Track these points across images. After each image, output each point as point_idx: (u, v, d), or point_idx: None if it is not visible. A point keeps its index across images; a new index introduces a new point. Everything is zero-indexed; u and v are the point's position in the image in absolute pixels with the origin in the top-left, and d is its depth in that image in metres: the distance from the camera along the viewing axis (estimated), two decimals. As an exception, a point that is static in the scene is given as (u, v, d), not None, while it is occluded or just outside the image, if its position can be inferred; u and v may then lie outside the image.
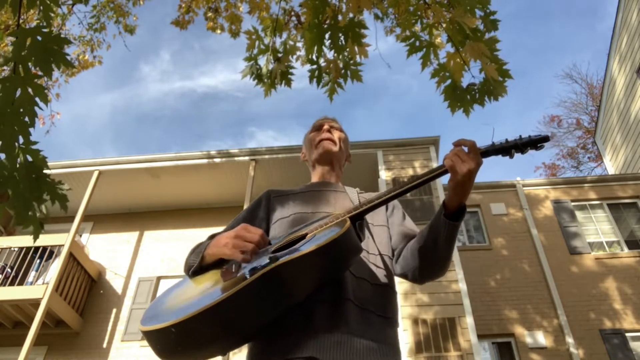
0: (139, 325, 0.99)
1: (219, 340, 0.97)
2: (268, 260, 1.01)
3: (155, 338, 0.96)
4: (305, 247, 1.01)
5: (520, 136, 1.10)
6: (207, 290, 1.03)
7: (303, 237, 1.11)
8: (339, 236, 1.00)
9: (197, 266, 1.15)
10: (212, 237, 1.25)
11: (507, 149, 1.09)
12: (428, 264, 1.18)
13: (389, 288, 1.21)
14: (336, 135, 1.55)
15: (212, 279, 1.09)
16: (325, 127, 1.56)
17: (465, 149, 1.08)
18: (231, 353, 7.01)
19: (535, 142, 1.08)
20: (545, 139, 1.08)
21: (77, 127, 43.34)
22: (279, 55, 2.83)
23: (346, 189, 1.43)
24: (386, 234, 1.33)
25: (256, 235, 1.06)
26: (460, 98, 2.34)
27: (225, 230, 1.25)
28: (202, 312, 0.92)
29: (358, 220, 1.13)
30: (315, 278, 1.03)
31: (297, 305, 1.04)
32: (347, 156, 1.60)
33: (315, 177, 1.54)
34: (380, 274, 1.21)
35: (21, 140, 1.59)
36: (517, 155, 1.10)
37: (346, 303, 1.08)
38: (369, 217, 1.30)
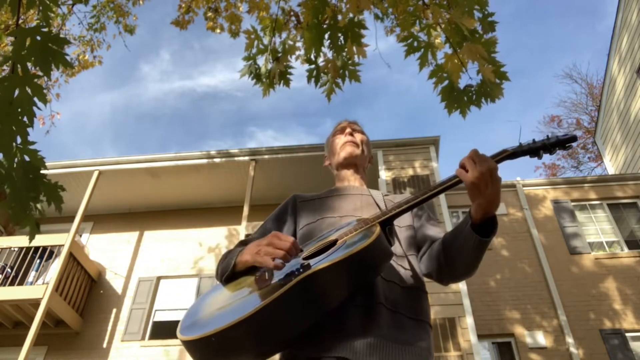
0: (178, 335, 1.00)
1: (258, 347, 0.98)
2: (302, 269, 1.02)
3: (195, 347, 0.97)
4: (338, 254, 1.02)
5: (547, 136, 1.08)
6: (243, 298, 1.04)
7: (333, 243, 1.11)
8: (371, 243, 1.01)
9: (230, 273, 1.16)
10: (242, 243, 1.26)
11: (535, 149, 1.07)
12: (452, 269, 1.17)
13: (419, 290, 1.21)
14: (358, 137, 1.55)
15: (246, 286, 1.09)
16: (348, 130, 1.55)
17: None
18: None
19: (564, 142, 1.07)
20: (573, 138, 1.06)
21: (77, 127, 43.39)
22: (278, 55, 2.83)
23: (371, 192, 1.42)
24: (412, 234, 1.33)
25: (287, 243, 1.05)
26: (457, 99, 2.34)
27: (254, 239, 1.26)
28: (242, 321, 0.93)
29: (387, 225, 1.13)
30: (349, 284, 1.04)
31: (330, 312, 1.05)
32: (370, 158, 1.60)
33: (339, 181, 1.53)
34: (409, 276, 1.21)
35: (19, 140, 1.59)
36: (545, 156, 1.08)
37: (378, 307, 1.08)
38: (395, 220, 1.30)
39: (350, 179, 1.50)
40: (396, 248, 1.24)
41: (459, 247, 1.11)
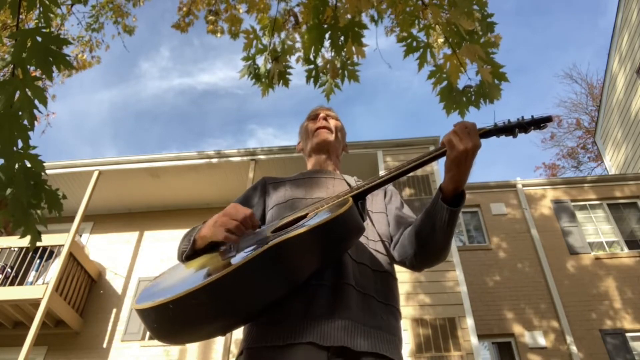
0: (134, 305, 0.95)
1: (218, 319, 0.94)
2: (269, 239, 0.99)
3: (152, 316, 0.92)
4: (308, 224, 0.98)
5: (522, 116, 1.09)
6: (204, 269, 1.00)
7: (303, 217, 1.09)
8: (343, 212, 0.97)
9: (190, 250, 1.13)
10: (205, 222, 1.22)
11: (510, 128, 1.08)
12: (425, 251, 1.13)
13: (390, 275, 1.19)
14: (332, 123, 1.51)
15: (209, 260, 1.05)
16: (322, 115, 1.52)
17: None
18: (230, 353, 7.00)
19: (539, 122, 1.07)
20: (548, 119, 1.07)
21: (76, 124, 43.41)
22: (277, 55, 2.83)
23: (344, 176, 1.40)
24: (385, 220, 1.30)
25: (241, 214, 1.01)
26: (456, 100, 2.34)
27: None
28: (202, 287, 0.88)
29: (359, 199, 1.11)
30: (317, 257, 1.00)
31: (297, 289, 1.01)
32: (344, 146, 1.57)
33: (311, 166, 1.50)
34: (382, 260, 1.19)
35: (20, 144, 1.57)
36: (521, 135, 1.09)
37: (347, 288, 1.05)
38: (368, 204, 1.28)
39: (323, 165, 1.47)
40: (369, 232, 1.23)
41: (432, 224, 1.08)
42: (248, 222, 1.02)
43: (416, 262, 1.17)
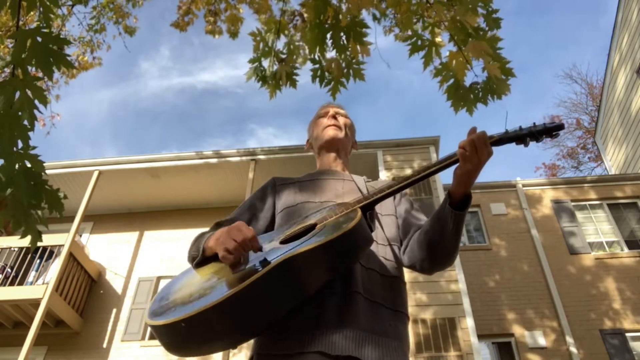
0: (147, 319, 0.97)
1: (229, 334, 0.95)
2: (278, 253, 0.99)
3: (164, 332, 0.94)
4: (317, 239, 0.98)
5: (534, 124, 1.07)
6: (215, 283, 1.00)
7: (312, 227, 1.09)
8: (352, 228, 0.97)
9: (200, 258, 1.13)
10: (216, 225, 1.22)
11: (522, 137, 1.06)
12: (435, 255, 1.15)
13: (399, 280, 1.19)
14: (341, 121, 1.51)
15: (220, 271, 1.05)
16: (331, 113, 1.51)
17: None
18: (231, 353, 7.00)
19: (551, 130, 1.06)
20: (560, 127, 1.05)
21: (76, 124, 43.35)
22: (283, 56, 2.83)
23: (353, 177, 1.39)
24: (394, 223, 1.30)
25: (241, 236, 0.99)
26: (464, 97, 2.32)
27: (228, 220, 1.23)
28: (212, 307, 0.89)
29: (368, 210, 1.11)
30: (327, 270, 1.00)
31: (306, 299, 1.01)
32: (353, 143, 1.56)
33: (320, 165, 1.49)
34: (390, 265, 1.19)
35: (20, 144, 1.56)
36: (532, 144, 1.07)
37: (355, 296, 1.05)
38: (377, 207, 1.26)
39: (332, 164, 1.46)
40: (378, 236, 1.22)
41: (440, 229, 1.11)
42: (247, 245, 1.00)
43: (426, 266, 1.18)
